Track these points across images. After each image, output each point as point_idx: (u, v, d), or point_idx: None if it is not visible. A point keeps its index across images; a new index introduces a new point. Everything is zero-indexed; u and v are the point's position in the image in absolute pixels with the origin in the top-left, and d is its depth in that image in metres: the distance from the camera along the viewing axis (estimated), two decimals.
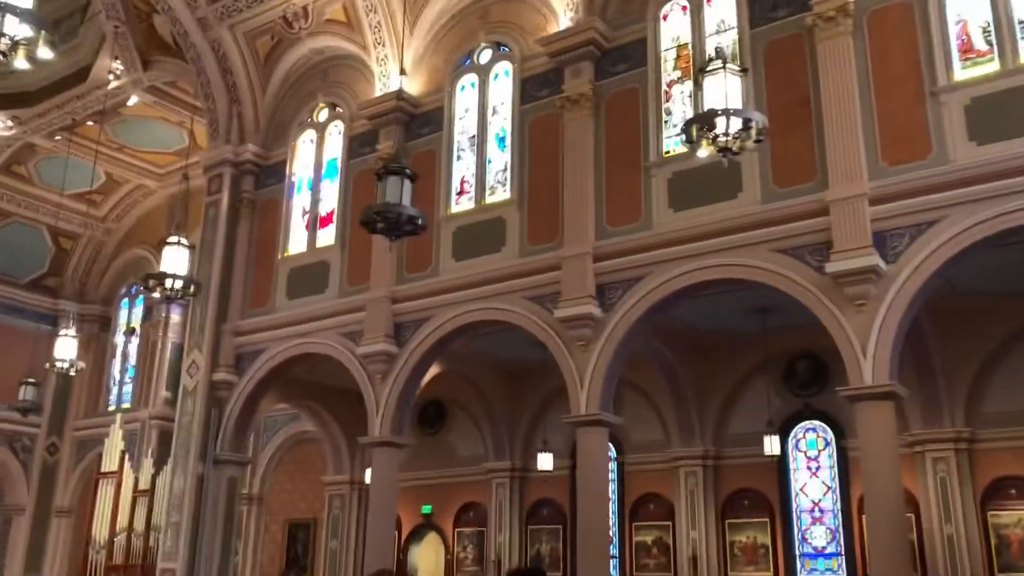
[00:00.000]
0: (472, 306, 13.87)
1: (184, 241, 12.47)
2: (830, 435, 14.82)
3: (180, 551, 15.36)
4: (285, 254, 16.84)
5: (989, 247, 10.73)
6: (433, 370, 15.70)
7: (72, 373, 16.71)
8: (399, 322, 14.69)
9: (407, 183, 9.96)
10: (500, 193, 14.38)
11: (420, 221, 10.07)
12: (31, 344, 20.05)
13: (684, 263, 12.07)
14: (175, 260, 12.35)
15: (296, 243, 16.81)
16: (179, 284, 12.02)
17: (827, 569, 14.48)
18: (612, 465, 16.89)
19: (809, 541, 14.74)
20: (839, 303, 10.78)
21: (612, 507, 16.57)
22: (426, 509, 18.46)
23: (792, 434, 15.30)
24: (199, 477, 15.84)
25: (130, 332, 23.26)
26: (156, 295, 12.41)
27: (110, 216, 23.81)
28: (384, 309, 14.72)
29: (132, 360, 22.96)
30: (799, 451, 15.25)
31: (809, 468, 15.09)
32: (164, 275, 12.01)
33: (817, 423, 15.03)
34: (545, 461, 15.71)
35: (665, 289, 12.19)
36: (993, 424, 13.54)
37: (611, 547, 16.32)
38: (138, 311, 23.23)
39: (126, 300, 23.79)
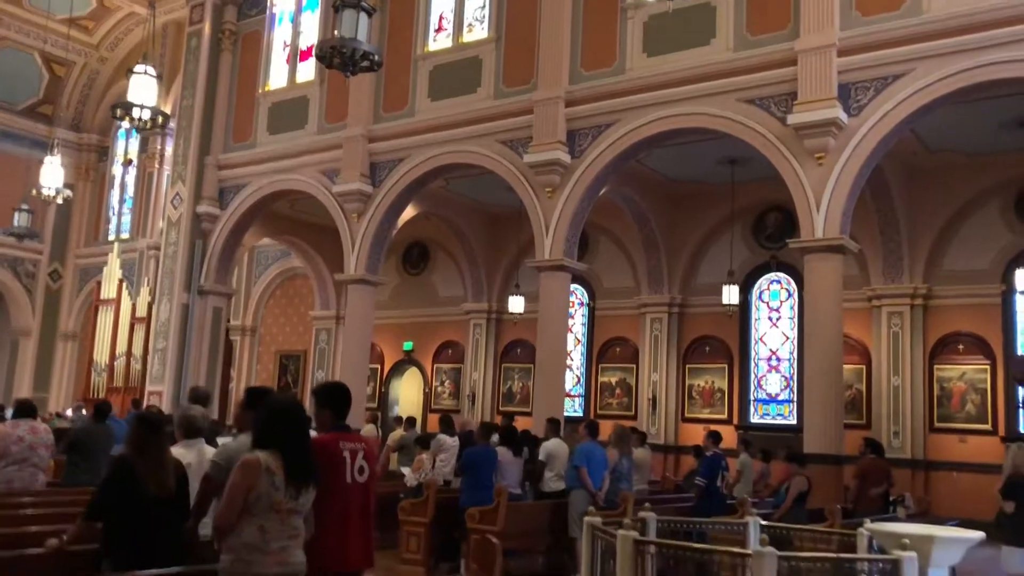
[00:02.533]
0: (446, 148, 13.93)
1: (151, 71, 12.39)
2: (793, 287, 15.04)
3: (167, 376, 16.12)
4: (266, 88, 16.76)
5: (956, 102, 10.61)
6: (413, 211, 15.96)
7: (59, 201, 16.99)
8: (375, 161, 14.79)
9: (364, 17, 9.78)
10: (478, 31, 14.14)
11: (375, 57, 9.98)
12: (25, 171, 20.28)
13: (654, 110, 12.01)
14: (143, 90, 12.31)
15: (277, 77, 16.70)
16: (147, 115, 12.04)
17: (778, 414, 15.06)
18: (583, 310, 17.36)
19: (764, 388, 15.26)
20: (799, 156, 10.76)
21: (581, 349, 17.16)
22: (407, 345, 19.12)
23: (756, 285, 15.54)
24: (184, 306, 16.40)
25: (127, 163, 23.43)
26: (125, 124, 12.46)
27: (103, 44, 23.47)
28: (360, 148, 14.79)
29: (130, 191, 23.24)
30: (762, 302, 15.54)
31: (770, 319, 15.43)
32: (131, 105, 12.03)
33: (782, 275, 15.22)
34: (516, 303, 16.11)
35: (634, 136, 12.20)
36: (949, 281, 13.71)
37: (577, 387, 17.02)
38: (135, 142, 23.29)
39: (122, 131, 23.79)
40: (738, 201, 14.78)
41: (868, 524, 5.06)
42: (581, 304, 17.40)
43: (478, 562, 7.46)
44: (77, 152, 23.44)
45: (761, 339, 15.39)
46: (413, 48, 14.62)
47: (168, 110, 18.67)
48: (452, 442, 9.33)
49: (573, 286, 16.88)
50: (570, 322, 17.14)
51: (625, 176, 14.15)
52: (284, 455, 3.57)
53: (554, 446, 8.81)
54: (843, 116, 10.47)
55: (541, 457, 8.76)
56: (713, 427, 14.71)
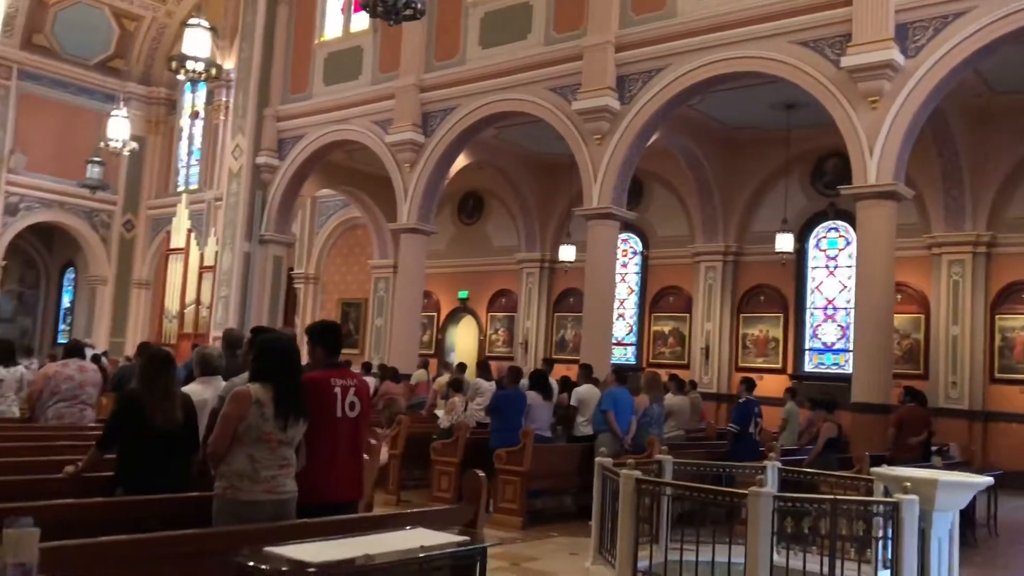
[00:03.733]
0: (497, 96, 13.93)
1: (204, 24, 12.65)
2: (852, 235, 14.65)
3: (230, 322, 16.63)
4: (322, 39, 16.92)
5: (1021, 42, 10.13)
6: (466, 161, 16.04)
7: (126, 153, 17.53)
8: (427, 111, 14.87)
9: None
10: None
11: (419, 5, 9.99)
12: (98, 125, 20.91)
13: (705, 54, 11.79)
14: (197, 43, 12.59)
15: (332, 28, 16.85)
16: (200, 67, 12.32)
17: (834, 363, 14.81)
18: (637, 259, 17.26)
19: (819, 337, 15.01)
20: (852, 99, 10.45)
21: (634, 298, 17.10)
22: (463, 294, 19.34)
23: (814, 233, 15.20)
24: (245, 255, 16.86)
25: (194, 115, 23.97)
26: (180, 77, 12.78)
27: None
28: (412, 98, 14.88)
29: (197, 143, 23.81)
30: (819, 250, 15.21)
31: (827, 267, 15.10)
32: (185, 57, 12.32)
33: (840, 223, 14.85)
34: (568, 252, 16.12)
35: (685, 81, 12.02)
36: (1014, 229, 13.19)
37: (630, 335, 17.01)
38: (201, 95, 23.78)
39: (189, 84, 24.30)
40: (795, 147, 14.42)
41: (875, 469, 5.01)
42: (635, 253, 17.30)
43: (505, 500, 7.64)
44: (147, 105, 24.03)
45: (817, 288, 15.09)
46: None
47: (232, 63, 19.07)
48: (488, 386, 9.49)
49: (627, 235, 16.88)
50: (623, 271, 17.14)
51: (677, 122, 13.94)
52: (274, 389, 3.72)
53: (585, 391, 8.89)
54: (899, 58, 10.11)
55: (572, 402, 8.87)
56: (766, 376, 14.72)
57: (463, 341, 19.50)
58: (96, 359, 11.88)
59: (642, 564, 5.51)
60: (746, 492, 4.45)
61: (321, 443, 3.94)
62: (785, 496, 4.53)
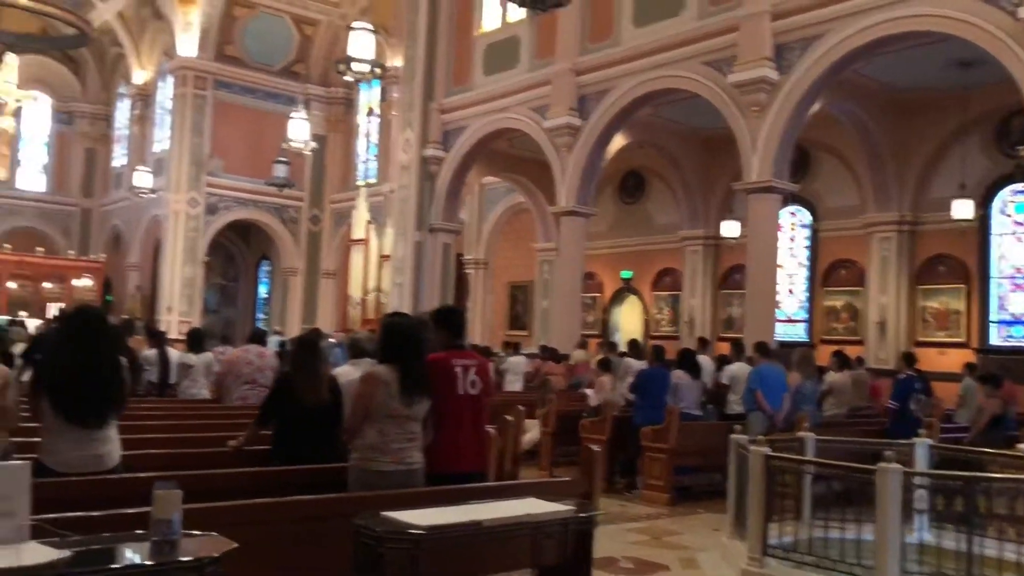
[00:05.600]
0: (651, 74, 13.90)
1: (368, 26, 13.34)
2: None
3: (405, 307, 17.48)
4: (480, 31, 17.40)
5: None
6: (624, 141, 16.08)
7: (307, 152, 18.74)
8: (583, 94, 15.03)
9: None
10: None
11: None
12: (283, 127, 22.41)
13: (867, 16, 11.29)
14: (361, 44, 13.31)
15: (490, 19, 17.28)
16: (365, 68, 13.03)
17: None
18: (806, 232, 16.69)
19: (1007, 308, 13.99)
20: None
21: (804, 273, 16.56)
22: (626, 274, 19.37)
23: (998, 197, 14.15)
24: (417, 243, 17.68)
25: (370, 112, 25.23)
26: (347, 78, 13.56)
27: (344, 0, 25.19)
28: (568, 82, 15.08)
29: (374, 138, 25.06)
30: (1005, 215, 14.14)
31: (1015, 233, 14.02)
32: (351, 59, 13.05)
33: None
34: (731, 228, 15.82)
35: (846, 46, 11.56)
36: None
37: (800, 311, 16.50)
38: (375, 92, 24.98)
39: (364, 82, 25.57)
40: (974, 107, 13.47)
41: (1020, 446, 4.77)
42: (803, 226, 16.73)
43: (652, 477, 7.74)
44: (327, 105, 25.52)
45: (1004, 255, 14.06)
46: None
47: (400, 60, 19.94)
48: (638, 366, 9.59)
49: (793, 207, 16.36)
50: (791, 245, 16.64)
51: (842, 88, 13.36)
52: (400, 369, 4.06)
53: (737, 369, 8.82)
54: None
55: (724, 380, 8.82)
56: (949, 351, 13.91)
57: (628, 321, 19.55)
58: (282, 345, 12.88)
59: (786, 540, 5.52)
60: (874, 468, 4.39)
61: (446, 418, 4.26)
62: (917, 472, 4.42)
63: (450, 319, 4.52)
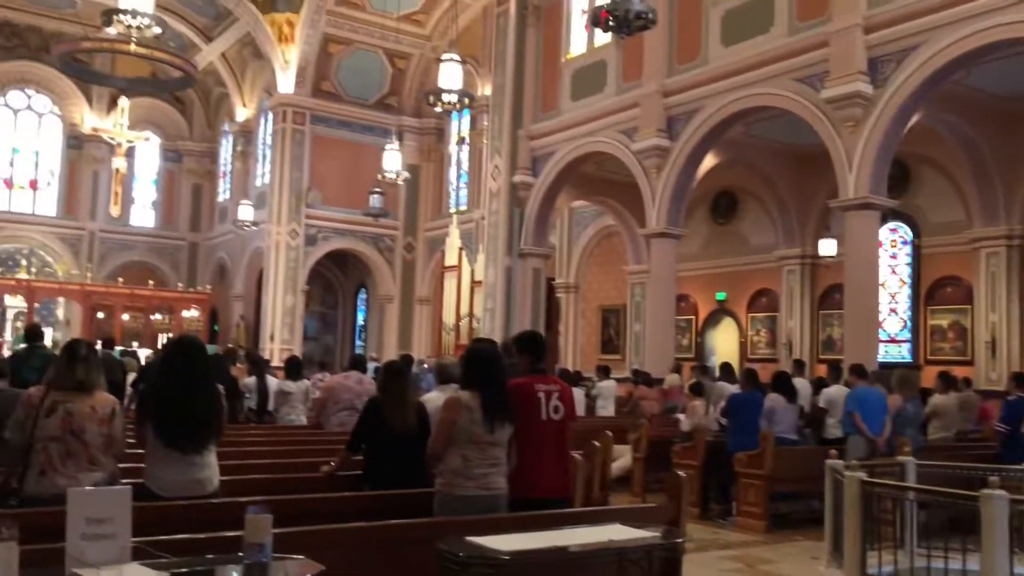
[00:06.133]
0: (740, 93, 13.76)
1: (456, 57, 13.63)
2: None
3: (496, 333, 17.63)
4: (567, 57, 17.53)
5: None
6: (715, 160, 15.92)
7: (400, 182, 19.15)
8: (671, 115, 14.97)
9: None
10: None
11: (650, 15, 10.20)
12: (378, 158, 22.99)
13: (967, 24, 10.94)
14: (450, 76, 13.61)
15: (577, 45, 17.41)
16: (453, 98, 13.30)
17: None
18: (907, 249, 16.14)
19: None
20: None
21: (907, 291, 16.00)
22: (720, 296, 19.06)
23: None
24: (507, 269, 17.83)
25: (460, 141, 25.64)
26: (437, 109, 13.85)
27: (434, 34, 25.75)
28: (656, 103, 15.04)
29: (465, 166, 25.44)
30: None
31: None
32: (440, 91, 13.36)
33: None
34: (828, 247, 15.42)
35: (945, 56, 11.23)
36: None
37: (904, 331, 15.93)
38: (466, 121, 25.39)
39: (454, 112, 26.02)
40: None
41: None
42: (904, 242, 16.17)
43: (747, 504, 7.56)
44: (419, 136, 26.06)
45: None
46: None
47: (489, 89, 20.25)
48: (732, 389, 9.40)
49: (894, 223, 15.87)
50: (892, 263, 16.11)
51: (942, 99, 12.92)
52: (482, 395, 4.11)
53: (834, 392, 8.56)
54: None
55: (821, 403, 8.58)
56: None
57: (723, 344, 19.21)
58: (377, 371, 13.12)
59: (886, 569, 5.33)
60: (976, 494, 4.20)
61: (529, 444, 4.28)
62: (1020, 499, 4.21)
63: (532, 344, 4.55)
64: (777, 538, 7.47)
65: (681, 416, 9.59)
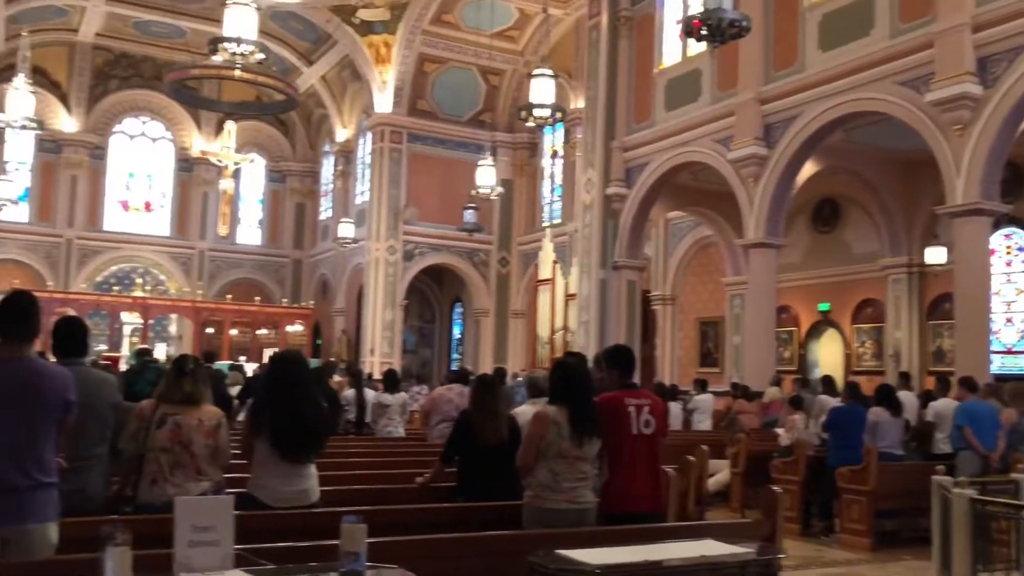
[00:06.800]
0: (840, 98, 13.39)
1: (548, 72, 13.72)
2: None
3: (591, 346, 17.57)
4: (660, 67, 17.41)
5: None
6: (814, 168, 15.55)
7: (493, 197, 19.35)
8: (768, 123, 14.69)
9: None
10: None
11: (743, 23, 10.08)
12: (472, 174, 23.28)
13: None
14: (542, 90, 13.70)
15: (670, 55, 17.26)
16: (545, 113, 13.38)
17: None
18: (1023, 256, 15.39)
19: None
20: None
21: None
22: (823, 306, 18.53)
23: None
24: (601, 281, 17.77)
25: (554, 154, 25.75)
26: (530, 124, 13.96)
27: (527, 50, 25.96)
28: (752, 111, 14.79)
29: (558, 179, 25.53)
30: None
31: None
32: (533, 105, 13.46)
33: None
34: (936, 255, 14.82)
35: None
36: None
37: (1022, 342, 15.19)
38: (559, 135, 25.48)
39: (548, 126, 26.13)
40: None
41: None
42: (1020, 249, 15.41)
43: (851, 521, 7.31)
44: (512, 151, 26.31)
45: None
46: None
47: (582, 102, 20.29)
48: (833, 403, 9.13)
49: (1008, 230, 15.18)
50: (1008, 270, 15.39)
51: None
52: (569, 409, 4.12)
53: (942, 406, 8.21)
54: None
55: (929, 417, 8.25)
56: None
57: (827, 356, 18.65)
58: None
59: None
60: None
61: (619, 458, 4.27)
62: None
63: (621, 358, 4.54)
64: (883, 557, 7.21)
65: (780, 430, 9.37)
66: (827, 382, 9.83)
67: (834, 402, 9.18)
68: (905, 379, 11.59)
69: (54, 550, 3.34)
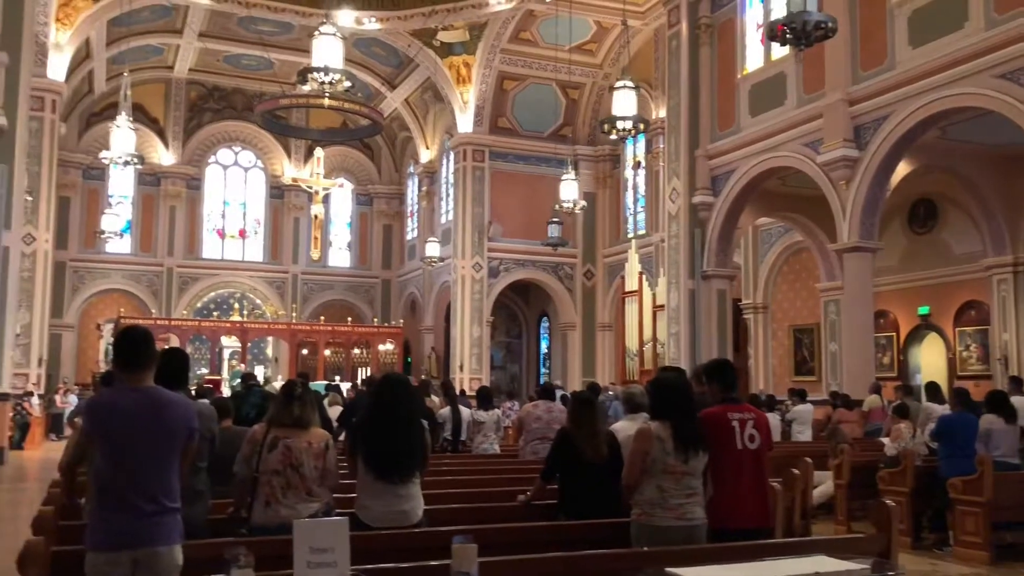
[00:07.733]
0: (933, 95, 13.00)
1: (629, 83, 13.68)
2: None
3: (682, 357, 17.38)
4: (744, 72, 17.17)
5: None
6: (908, 168, 15.12)
7: (577, 211, 19.35)
8: (858, 124, 14.35)
9: None
10: None
11: (829, 24, 9.91)
12: (555, 188, 23.35)
13: None
14: (624, 103, 13.67)
15: (753, 60, 17.03)
16: (628, 125, 13.35)
17: None
18: None
19: None
20: None
21: None
22: (923, 310, 17.88)
23: None
24: (690, 292, 17.56)
25: (636, 165, 25.62)
26: (612, 136, 13.94)
27: (605, 62, 25.94)
28: (841, 113, 14.46)
29: (641, 190, 25.37)
30: None
31: None
32: (615, 118, 13.44)
33: None
34: None
35: None
36: None
37: None
38: (641, 145, 25.35)
39: (630, 138, 26.00)
40: None
41: None
42: None
43: (966, 533, 7.02)
44: (594, 164, 26.29)
45: None
46: None
47: (664, 111, 20.16)
48: (941, 411, 8.80)
49: None
50: None
51: None
52: (673, 425, 4.09)
53: None
54: None
55: None
56: None
57: (929, 361, 17.99)
58: (563, 399, 13.27)
59: None
60: None
61: (725, 473, 4.21)
62: None
63: (721, 373, 4.49)
64: (1003, 571, 6.89)
65: (885, 440, 9.07)
66: (931, 388, 9.48)
67: (940, 409, 8.85)
68: (1017, 384, 11.05)
69: (179, 571, 3.48)
